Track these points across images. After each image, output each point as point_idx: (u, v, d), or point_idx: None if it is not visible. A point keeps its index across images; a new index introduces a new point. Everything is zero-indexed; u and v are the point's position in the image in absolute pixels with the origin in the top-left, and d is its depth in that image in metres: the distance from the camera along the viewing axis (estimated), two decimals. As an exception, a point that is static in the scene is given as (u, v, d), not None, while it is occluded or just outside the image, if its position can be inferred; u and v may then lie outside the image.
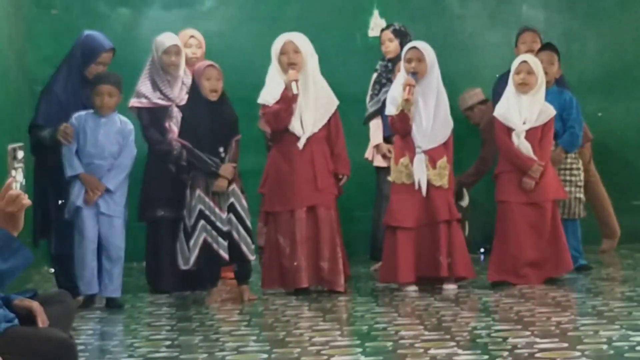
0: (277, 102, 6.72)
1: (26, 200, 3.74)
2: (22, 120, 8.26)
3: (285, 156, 6.81)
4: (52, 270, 7.58)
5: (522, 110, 6.91)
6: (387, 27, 8.07)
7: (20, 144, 3.83)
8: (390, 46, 7.84)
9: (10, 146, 3.68)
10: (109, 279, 6.64)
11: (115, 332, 5.68)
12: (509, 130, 6.91)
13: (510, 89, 6.98)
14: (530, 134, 6.89)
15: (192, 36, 7.77)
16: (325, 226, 6.77)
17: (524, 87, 6.90)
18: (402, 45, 7.79)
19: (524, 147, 6.87)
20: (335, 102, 6.95)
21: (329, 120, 6.88)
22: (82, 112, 6.75)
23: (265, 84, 6.92)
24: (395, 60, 7.78)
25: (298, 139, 6.77)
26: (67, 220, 6.71)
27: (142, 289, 7.30)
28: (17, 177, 3.70)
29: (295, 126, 6.77)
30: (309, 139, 6.78)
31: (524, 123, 6.90)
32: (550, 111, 6.97)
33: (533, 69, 6.91)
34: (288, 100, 6.69)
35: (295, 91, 6.66)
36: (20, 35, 8.71)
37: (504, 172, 6.98)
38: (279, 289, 6.80)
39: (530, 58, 7.06)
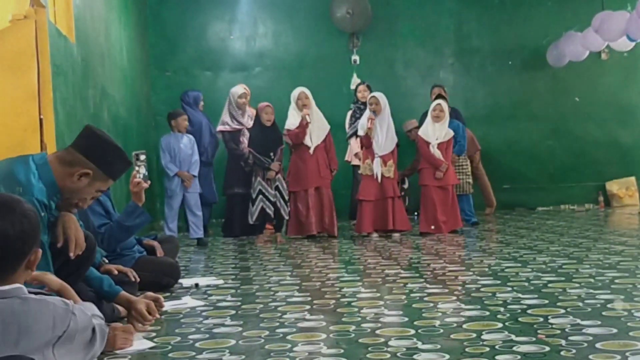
0: (297, 128, 6.70)
1: (144, 185, 3.72)
2: (148, 136, 8.27)
3: (301, 158, 6.78)
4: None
5: (435, 132, 6.91)
6: (363, 82, 8.03)
7: (143, 151, 3.79)
8: (365, 94, 7.82)
9: (134, 152, 3.64)
10: (196, 227, 6.67)
11: (202, 259, 5.68)
12: (428, 144, 6.90)
13: (428, 119, 6.99)
14: (440, 146, 6.90)
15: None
16: (326, 198, 6.78)
17: (437, 119, 6.92)
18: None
19: (437, 153, 6.88)
20: (328, 126, 6.94)
21: (325, 137, 6.85)
22: (165, 135, 6.81)
23: (288, 116, 6.92)
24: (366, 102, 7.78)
25: (309, 148, 6.75)
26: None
27: (218, 234, 7.30)
28: (140, 171, 3.67)
29: (307, 141, 6.75)
30: (315, 148, 6.76)
31: (437, 139, 6.89)
32: (450, 133, 7.00)
33: (443, 108, 6.94)
34: (303, 126, 6.68)
35: (309, 120, 6.65)
36: (147, 87, 8.70)
37: (424, 168, 6.97)
38: (297, 235, 6.78)
39: (442, 102, 7.07)
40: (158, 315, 3.11)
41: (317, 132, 6.80)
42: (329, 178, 6.87)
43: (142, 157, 3.67)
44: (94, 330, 2.09)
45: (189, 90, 7.80)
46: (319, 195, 6.77)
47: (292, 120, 6.80)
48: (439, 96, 7.65)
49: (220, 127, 7.27)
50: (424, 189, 6.96)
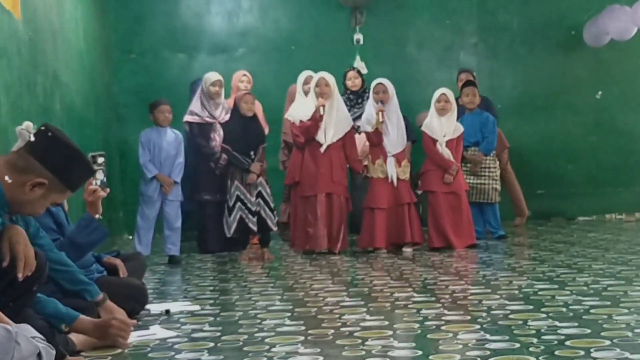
0: (309, 120, 6.72)
1: (101, 193, 3.72)
2: (110, 132, 8.26)
3: (312, 156, 6.79)
4: (130, 237, 7.58)
5: (442, 127, 6.92)
6: (352, 68, 8.03)
7: (101, 152, 3.77)
8: (356, 81, 7.83)
9: (90, 154, 3.63)
10: (172, 243, 6.66)
11: (174, 280, 5.68)
12: (434, 141, 6.90)
13: (432, 112, 7.00)
14: (448, 144, 6.92)
15: (244, 74, 7.78)
16: (336, 207, 6.78)
17: (442, 111, 6.93)
18: (362, 81, 7.81)
19: (446, 153, 6.89)
20: (350, 123, 6.96)
21: (345, 135, 6.85)
22: (147, 129, 6.77)
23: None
24: (358, 92, 7.77)
25: (321, 145, 6.75)
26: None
27: (194, 250, 7.30)
28: (97, 176, 3.66)
29: (320, 136, 6.75)
30: (329, 146, 6.77)
31: (444, 136, 6.90)
32: (460, 128, 7.02)
33: (449, 98, 6.96)
34: (316, 119, 6.69)
35: (321, 112, 6.66)
36: (108, 72, 8.70)
37: (428, 171, 6.98)
38: (306, 249, 6.79)
39: (447, 91, 7.06)
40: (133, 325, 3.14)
41: (335, 128, 6.80)
42: (344, 184, 6.86)
43: (100, 160, 3.66)
44: (39, 355, 2.10)
45: (198, 79, 7.84)
46: (330, 203, 6.77)
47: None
48: (468, 82, 7.66)
49: (187, 117, 7.23)
50: (430, 196, 6.96)
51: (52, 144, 2.73)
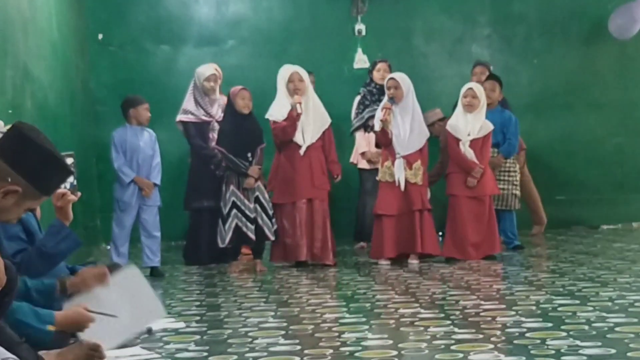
0: (285, 120, 6.68)
1: (71, 197, 3.70)
2: (86, 132, 8.26)
3: (289, 160, 6.76)
4: (108, 247, 7.57)
5: (467, 125, 6.93)
6: (384, 60, 7.96)
7: (70, 152, 3.76)
8: (386, 75, 7.74)
9: None
10: (152, 253, 6.64)
11: (157, 294, 5.65)
12: (457, 140, 6.92)
13: (459, 109, 7.02)
14: (473, 144, 6.92)
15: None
16: (319, 214, 6.75)
17: (469, 107, 6.94)
18: None
19: (469, 153, 6.89)
20: (328, 120, 6.93)
21: (323, 134, 6.85)
22: (119, 129, 6.74)
23: (272, 105, 6.90)
24: (383, 87, 7.77)
25: (300, 147, 6.74)
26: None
27: (178, 262, 7.28)
28: None
29: (298, 138, 6.74)
30: (308, 148, 6.75)
31: (469, 135, 6.91)
32: (489, 126, 7.00)
33: (477, 94, 6.96)
34: (293, 118, 6.66)
35: (299, 111, 6.64)
36: (85, 66, 8.70)
37: (452, 173, 6.99)
38: (283, 262, 6.79)
39: (475, 85, 7.10)
40: None
41: (313, 127, 6.79)
42: (326, 188, 6.85)
43: (69, 160, 3.64)
44: None
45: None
46: (311, 210, 6.76)
47: (279, 110, 6.79)
48: (490, 77, 7.65)
49: (181, 117, 7.24)
50: (452, 200, 6.97)
51: (25, 147, 2.70)
